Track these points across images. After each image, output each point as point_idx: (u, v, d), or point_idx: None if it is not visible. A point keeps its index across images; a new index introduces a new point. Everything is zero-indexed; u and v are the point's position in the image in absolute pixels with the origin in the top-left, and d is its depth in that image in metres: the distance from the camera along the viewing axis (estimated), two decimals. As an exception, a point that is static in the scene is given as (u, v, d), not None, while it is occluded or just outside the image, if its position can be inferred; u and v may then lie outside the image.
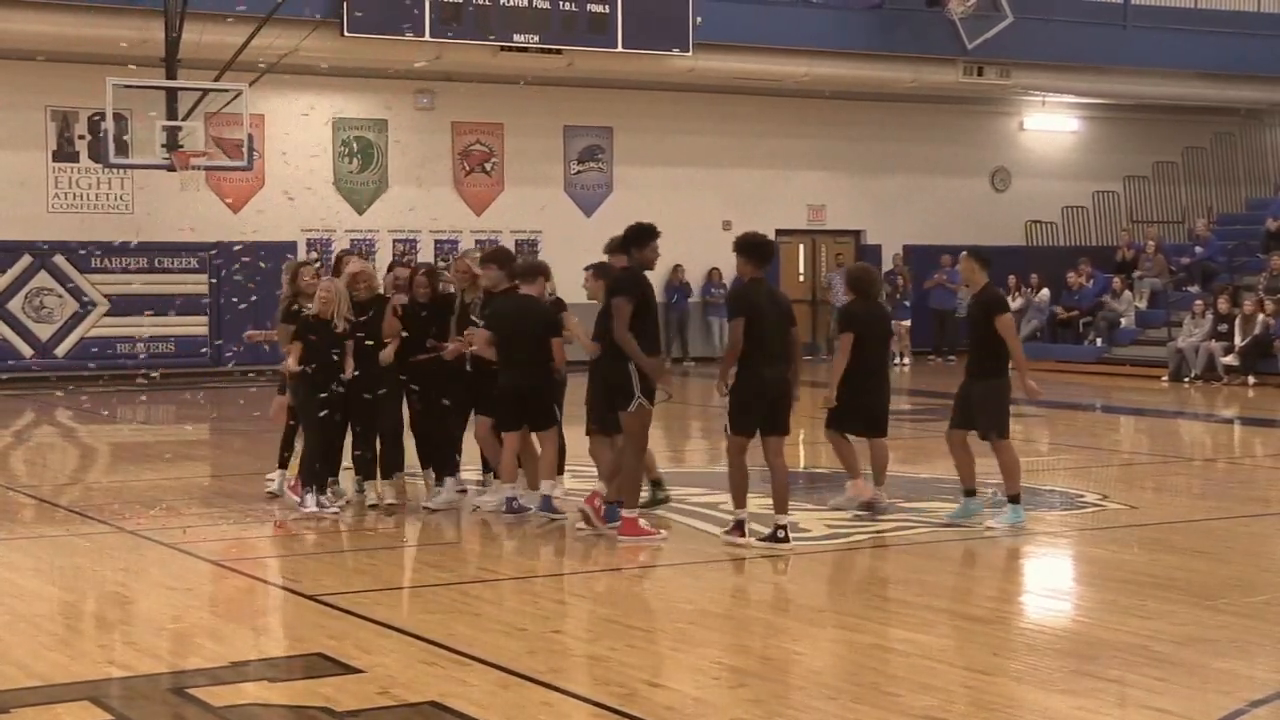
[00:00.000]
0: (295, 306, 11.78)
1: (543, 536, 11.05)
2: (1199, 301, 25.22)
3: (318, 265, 13.57)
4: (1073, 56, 28.36)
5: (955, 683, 7.05)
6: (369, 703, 6.78)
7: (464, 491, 11.98)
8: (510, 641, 8.02)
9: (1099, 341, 26.87)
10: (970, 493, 11.30)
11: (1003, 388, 11.26)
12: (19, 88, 24.01)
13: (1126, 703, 6.81)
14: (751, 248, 10.62)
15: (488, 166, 27.47)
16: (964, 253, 11.69)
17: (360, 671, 7.26)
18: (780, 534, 10.31)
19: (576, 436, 11.73)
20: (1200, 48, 29.12)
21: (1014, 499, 11.19)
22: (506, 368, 11.17)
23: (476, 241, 26.65)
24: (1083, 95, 30.58)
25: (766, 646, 7.97)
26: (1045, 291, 28.16)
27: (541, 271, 11.50)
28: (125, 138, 22.40)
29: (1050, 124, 32.18)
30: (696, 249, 27.03)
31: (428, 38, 23.49)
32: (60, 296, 24.44)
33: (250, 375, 23.18)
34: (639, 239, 10.74)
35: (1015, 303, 28.29)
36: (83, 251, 24.37)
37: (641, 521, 10.67)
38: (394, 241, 26.21)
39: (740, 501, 10.47)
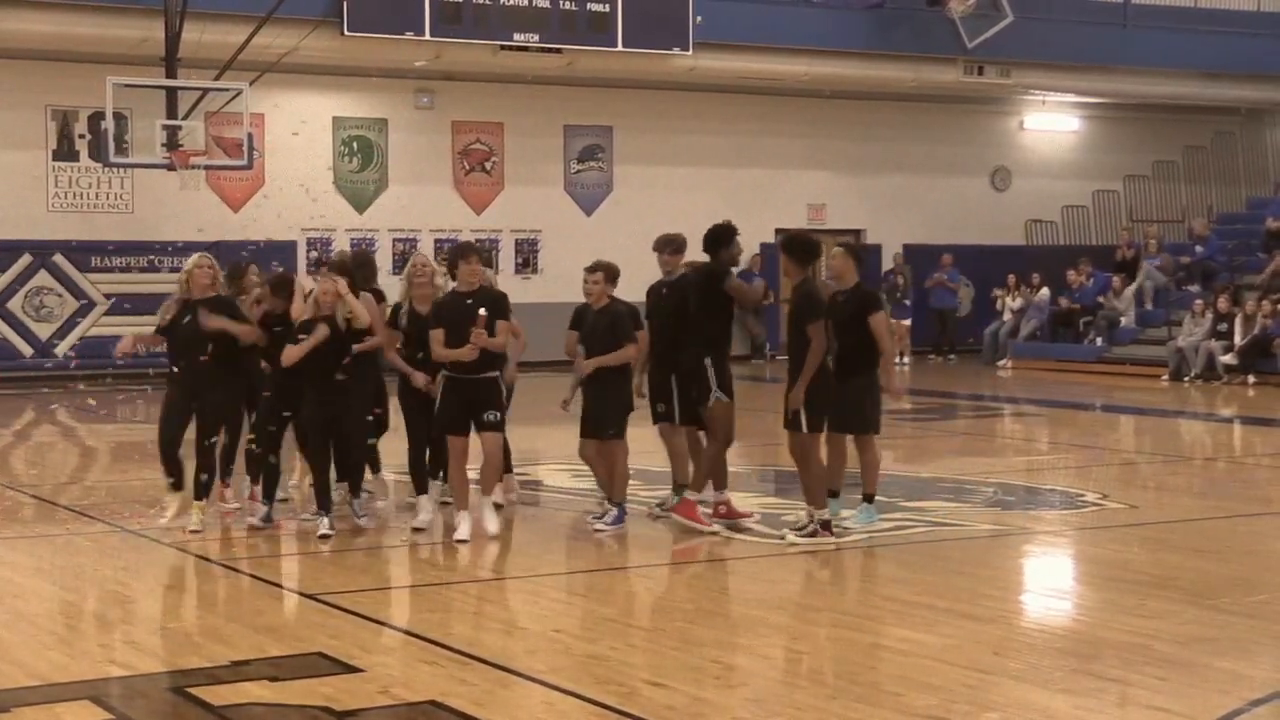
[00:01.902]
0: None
1: (544, 535, 11.05)
2: (1199, 301, 25.21)
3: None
4: (1073, 56, 28.35)
5: (956, 682, 7.04)
6: (369, 702, 6.78)
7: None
8: (510, 641, 8.03)
9: (1099, 341, 26.87)
10: (835, 494, 10.95)
11: (875, 384, 11.05)
12: (19, 87, 24.01)
13: (1127, 702, 6.81)
14: (802, 247, 10.64)
15: (488, 166, 27.47)
16: (839, 248, 11.20)
17: (360, 671, 7.26)
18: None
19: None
20: (1200, 47, 29.10)
21: (870, 498, 11.15)
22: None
23: (476, 241, 26.70)
24: (1083, 95, 30.57)
25: (767, 646, 7.97)
26: (1045, 291, 28.16)
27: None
28: (125, 137, 22.39)
29: (1050, 123, 32.17)
30: (697, 248, 26.93)
31: (428, 37, 23.49)
32: (60, 296, 24.45)
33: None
34: (726, 239, 11.12)
35: (1016, 302, 28.36)
36: (83, 251, 24.38)
37: (701, 509, 10.89)
38: (394, 241, 26.22)
39: (822, 502, 10.52)
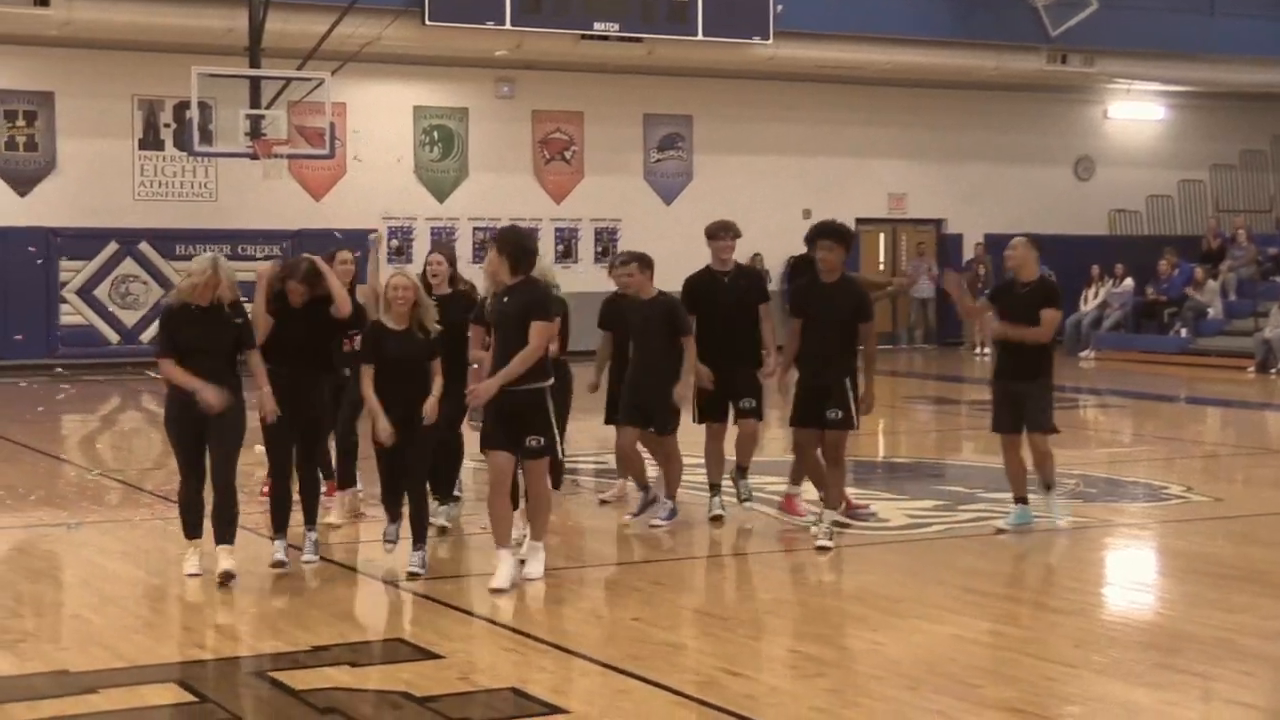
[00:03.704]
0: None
1: (620, 524, 11.06)
2: (1287, 292, 24.90)
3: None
4: (1158, 43, 28.03)
5: (1037, 674, 7.00)
6: (448, 688, 6.82)
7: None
8: (589, 629, 8.05)
9: (1184, 332, 26.56)
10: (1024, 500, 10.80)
11: (1051, 383, 10.80)
12: (107, 77, 24.31)
13: (1211, 697, 6.74)
14: (847, 235, 10.44)
15: (567, 155, 27.52)
16: (1021, 238, 10.93)
17: (440, 657, 7.31)
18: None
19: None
20: (1289, 34, 28.71)
21: (1050, 486, 10.94)
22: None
23: (556, 230, 26.79)
24: (1168, 83, 30.20)
25: (845, 636, 7.95)
26: (1129, 281, 27.86)
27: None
28: (210, 126, 22.66)
29: (1135, 112, 31.81)
30: (776, 237, 26.84)
31: (508, 26, 23.59)
32: (145, 283, 24.74)
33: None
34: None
35: (1099, 296, 28.07)
36: (168, 239, 24.66)
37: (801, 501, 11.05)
38: (474, 229, 26.33)
39: (840, 500, 10.56)
